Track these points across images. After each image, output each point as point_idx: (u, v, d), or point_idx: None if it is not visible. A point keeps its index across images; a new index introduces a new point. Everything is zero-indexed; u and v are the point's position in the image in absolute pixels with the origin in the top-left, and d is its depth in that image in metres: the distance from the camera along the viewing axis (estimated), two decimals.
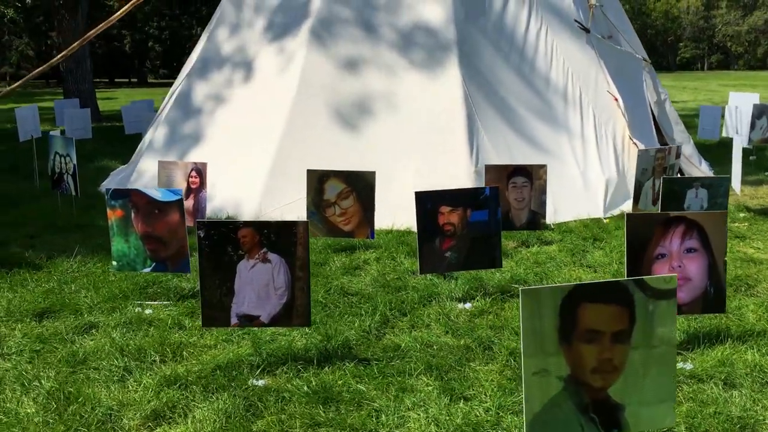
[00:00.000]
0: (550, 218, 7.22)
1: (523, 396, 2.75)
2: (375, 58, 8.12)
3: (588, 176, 8.11)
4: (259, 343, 4.44)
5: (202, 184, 6.84)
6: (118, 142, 13.78)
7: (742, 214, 7.79)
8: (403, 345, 4.48)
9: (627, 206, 8.11)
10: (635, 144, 8.69)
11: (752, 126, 10.88)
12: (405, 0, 8.32)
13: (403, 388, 3.91)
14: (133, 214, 5.19)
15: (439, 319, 4.92)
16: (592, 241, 6.80)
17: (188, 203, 6.87)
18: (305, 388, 3.87)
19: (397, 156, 7.54)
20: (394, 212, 7.09)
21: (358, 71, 8.09)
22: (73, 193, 7.60)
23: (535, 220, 6.63)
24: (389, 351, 4.41)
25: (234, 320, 4.13)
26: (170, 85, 10.64)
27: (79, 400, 3.76)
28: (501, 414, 3.60)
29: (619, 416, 2.83)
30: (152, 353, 4.34)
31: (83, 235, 7.10)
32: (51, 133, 8.36)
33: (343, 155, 7.57)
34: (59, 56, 10.60)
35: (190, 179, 6.89)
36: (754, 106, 11.12)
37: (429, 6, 8.27)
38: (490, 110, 8.01)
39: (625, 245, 4.27)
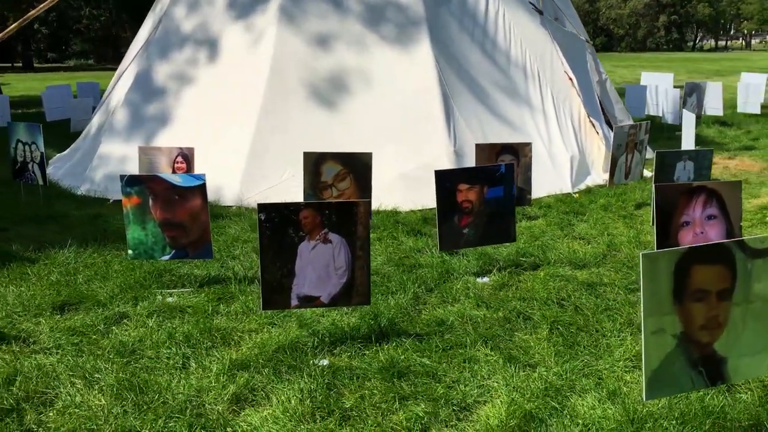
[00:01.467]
0: None
1: (643, 354, 2.95)
2: (345, 34, 8.13)
3: (553, 153, 8.44)
4: (307, 324, 4.46)
5: (189, 169, 6.69)
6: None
7: None
8: (445, 319, 4.60)
9: (590, 181, 8.51)
10: (592, 123, 9.10)
11: (684, 103, 11.55)
12: None
13: (467, 359, 4.04)
14: (151, 201, 5.05)
15: (466, 293, 5.07)
16: (573, 215, 7.11)
17: None
18: (375, 365, 3.94)
19: (376, 136, 7.59)
20: (378, 193, 7.13)
21: (330, 47, 8.07)
22: (41, 182, 7.25)
23: (522, 196, 6.86)
24: (434, 325, 4.52)
25: (294, 302, 4.13)
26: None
27: (154, 388, 3.68)
28: (573, 378, 3.78)
29: (723, 369, 3.07)
30: (202, 340, 4.28)
31: (61, 226, 6.81)
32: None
33: (321, 134, 7.57)
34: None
35: (176, 165, 6.73)
36: (687, 84, 11.81)
37: None
38: (461, 87, 8.19)
39: (654, 213, 4.52)
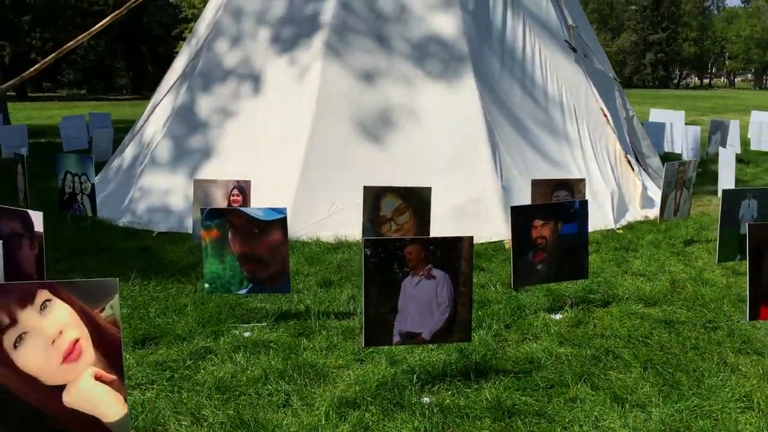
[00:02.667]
0: None
1: None
2: (391, 70, 8.17)
3: (594, 189, 8.46)
4: (397, 361, 4.41)
5: (246, 202, 6.65)
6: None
7: None
8: (534, 356, 4.57)
9: (630, 217, 8.55)
10: (628, 160, 9.18)
11: (708, 141, 11.69)
12: (415, 12, 8.43)
13: (570, 398, 4.01)
14: (230, 234, 5.01)
15: (545, 330, 5.04)
16: (625, 251, 7.12)
17: None
18: (482, 403, 3.89)
19: (423, 171, 7.57)
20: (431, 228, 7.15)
21: (376, 83, 8.11)
22: (90, 213, 7.19)
23: None
24: (524, 363, 4.49)
25: (396, 338, 4.09)
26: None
27: (266, 427, 3.62)
28: (688, 419, 3.75)
29: None
30: (296, 376, 4.22)
31: (112, 257, 6.74)
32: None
33: (369, 169, 7.55)
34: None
35: (232, 197, 6.69)
36: (711, 122, 11.96)
37: (439, 18, 8.41)
38: (504, 123, 8.24)
39: (748, 251, 4.51)
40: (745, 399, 3.93)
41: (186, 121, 8.53)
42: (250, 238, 5.00)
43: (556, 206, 5.52)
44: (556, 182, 6.85)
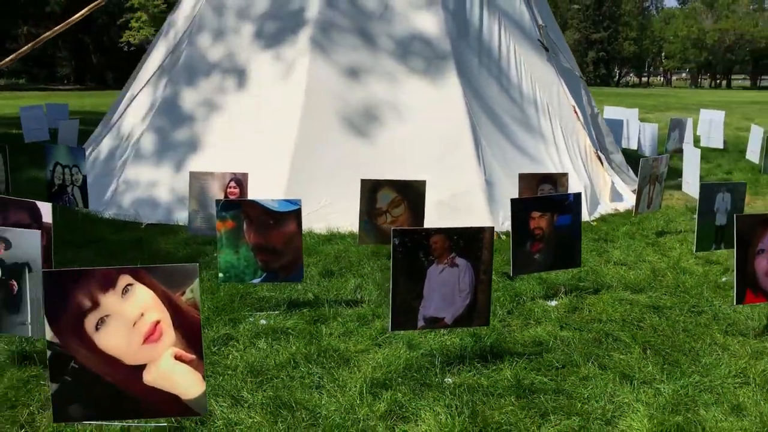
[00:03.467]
0: None
1: None
2: (376, 66, 8.37)
3: (569, 183, 8.82)
4: (415, 345, 4.65)
5: (243, 195, 6.78)
6: (19, 150, 12.68)
7: None
8: (540, 339, 4.86)
9: (602, 210, 8.95)
10: (598, 156, 9.59)
11: (668, 138, 12.23)
12: (398, 10, 8.64)
13: (582, 377, 4.30)
14: (245, 225, 5.16)
15: (545, 315, 5.34)
16: (604, 242, 7.49)
17: None
18: (503, 383, 4.16)
19: (410, 166, 7.80)
20: None
21: (361, 79, 8.30)
22: (81, 206, 7.20)
23: None
24: (532, 345, 4.77)
25: (420, 323, 4.32)
26: None
27: (306, 406, 3.81)
28: (693, 394, 4.08)
29: None
30: (323, 360, 4.41)
31: (106, 250, 6.78)
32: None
33: (356, 163, 7.75)
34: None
35: (229, 190, 6.81)
36: (671, 120, 12.51)
37: (421, 17, 8.65)
38: (484, 119, 8.52)
39: (735, 241, 4.88)
40: (741, 375, 4.29)
41: (170, 114, 8.58)
42: (265, 229, 5.16)
43: (552, 198, 5.82)
44: (540, 176, 7.17)
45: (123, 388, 2.89)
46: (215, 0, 9.04)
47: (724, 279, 6.20)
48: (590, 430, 3.69)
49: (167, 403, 2.91)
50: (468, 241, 4.27)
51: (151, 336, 2.88)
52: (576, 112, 9.75)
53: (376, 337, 4.78)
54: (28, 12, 46.12)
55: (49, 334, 2.87)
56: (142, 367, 2.90)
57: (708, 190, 6.28)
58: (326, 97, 8.12)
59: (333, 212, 7.56)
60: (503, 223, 7.78)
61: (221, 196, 6.81)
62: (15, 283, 4.03)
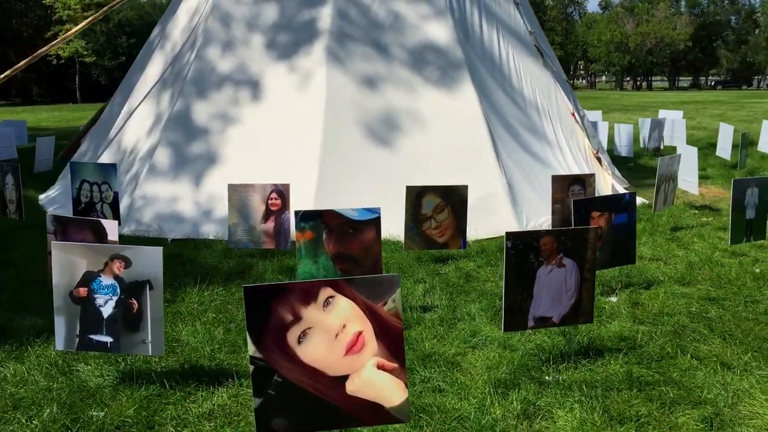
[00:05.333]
0: None
1: None
2: (391, 76, 8.44)
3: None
4: (509, 346, 4.73)
5: (285, 205, 6.74)
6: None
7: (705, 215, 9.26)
8: (623, 335, 5.01)
9: None
10: (597, 157, 9.88)
11: (649, 138, 12.70)
12: (408, 20, 8.74)
13: (685, 368, 4.46)
14: (324, 235, 5.15)
15: (614, 312, 5.50)
16: None
17: (268, 226, 6.76)
18: (617, 376, 4.29)
19: (433, 172, 7.90)
20: None
21: (378, 88, 8.35)
22: None
23: None
24: (617, 341, 4.92)
25: (531, 323, 4.41)
26: None
27: (438, 408, 3.85)
28: None
29: None
30: (432, 364, 4.46)
31: None
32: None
33: (382, 171, 7.81)
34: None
35: (270, 201, 6.75)
36: (652, 121, 12.99)
37: (433, 27, 8.77)
38: (497, 125, 8.69)
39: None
40: None
41: (182, 128, 8.43)
42: (345, 238, 5.16)
43: (610, 198, 6.00)
44: (571, 177, 7.36)
45: (325, 398, 2.88)
46: (221, 12, 8.94)
47: (758, 270, 6.51)
48: (724, 416, 3.85)
49: (370, 411, 2.92)
50: (575, 242, 4.39)
51: (354, 347, 2.88)
52: (573, 115, 10.03)
53: (468, 340, 4.85)
54: None
55: (251, 349, 2.85)
56: (345, 377, 2.90)
57: (741, 186, 6.58)
58: (346, 106, 8.14)
59: None
60: (527, 224, 7.96)
61: (262, 208, 6.77)
62: (135, 301, 3.94)
